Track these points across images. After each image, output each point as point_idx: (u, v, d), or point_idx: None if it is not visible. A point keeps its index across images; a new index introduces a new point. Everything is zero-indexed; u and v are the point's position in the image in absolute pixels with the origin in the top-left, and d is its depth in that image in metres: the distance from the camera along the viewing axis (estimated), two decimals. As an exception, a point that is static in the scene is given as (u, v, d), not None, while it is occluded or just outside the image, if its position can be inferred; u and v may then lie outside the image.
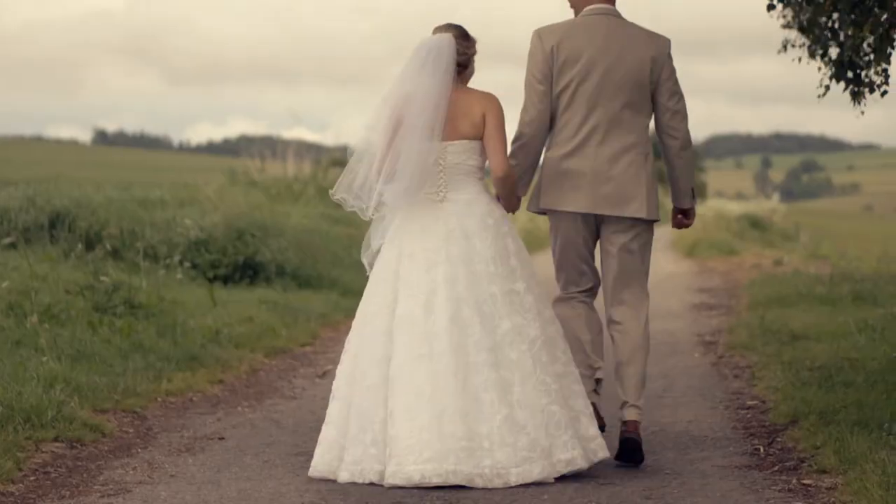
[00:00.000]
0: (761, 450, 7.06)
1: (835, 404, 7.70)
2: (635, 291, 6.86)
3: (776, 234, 41.19)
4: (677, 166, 6.87)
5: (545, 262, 7.87)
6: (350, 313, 13.70)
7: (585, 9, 6.78)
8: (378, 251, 6.67)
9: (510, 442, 6.17)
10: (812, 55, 8.94)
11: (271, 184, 22.57)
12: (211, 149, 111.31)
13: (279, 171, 23.90)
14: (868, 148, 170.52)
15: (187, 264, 13.49)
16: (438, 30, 6.59)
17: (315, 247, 16.08)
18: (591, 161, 6.67)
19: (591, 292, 6.96)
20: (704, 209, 47.97)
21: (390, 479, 6.16)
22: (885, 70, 8.39)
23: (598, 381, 6.90)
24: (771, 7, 8.56)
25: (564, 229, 6.81)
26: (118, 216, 14.71)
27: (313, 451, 6.70)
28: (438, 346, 6.25)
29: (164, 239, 14.39)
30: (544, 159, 6.79)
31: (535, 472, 6.19)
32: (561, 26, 6.75)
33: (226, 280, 14.33)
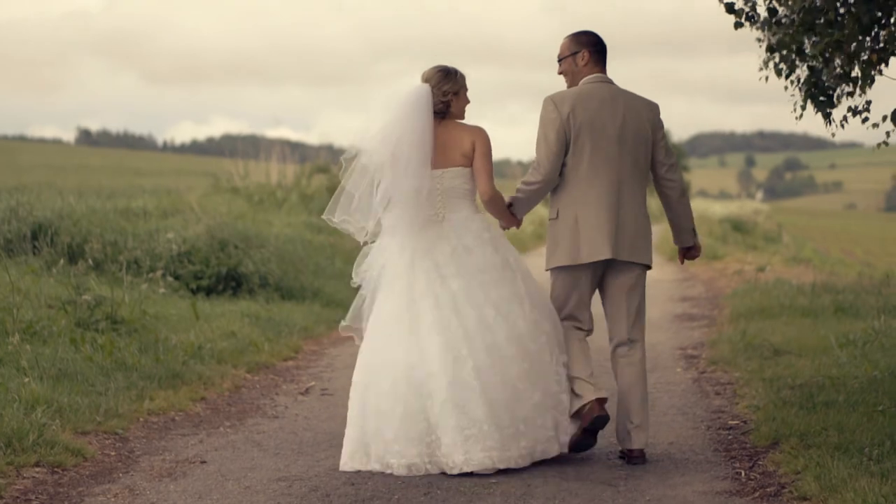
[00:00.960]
0: (742, 474, 7.07)
1: (816, 426, 7.72)
2: (641, 327, 7.58)
3: (759, 236, 41.30)
4: (679, 212, 7.61)
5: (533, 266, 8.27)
6: (332, 325, 13.83)
7: (586, 78, 7.48)
8: (369, 270, 7.48)
9: (540, 424, 7.12)
10: (778, 74, 9.00)
11: (255, 190, 22.52)
12: (195, 148, 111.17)
13: (262, 177, 23.85)
14: (851, 146, 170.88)
15: (170, 278, 13.46)
16: (424, 75, 7.42)
17: (297, 257, 16.06)
18: (613, 213, 7.33)
19: (590, 329, 7.59)
20: (688, 211, 48.03)
21: (463, 468, 6.94)
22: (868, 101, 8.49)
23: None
24: (739, 25, 8.62)
25: (577, 274, 7.42)
26: (101, 227, 14.69)
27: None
28: (474, 346, 7.07)
29: (148, 250, 14.38)
30: (560, 215, 7.42)
31: (553, 450, 7.17)
32: (571, 93, 7.41)
33: (209, 291, 14.32)
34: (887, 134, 8.15)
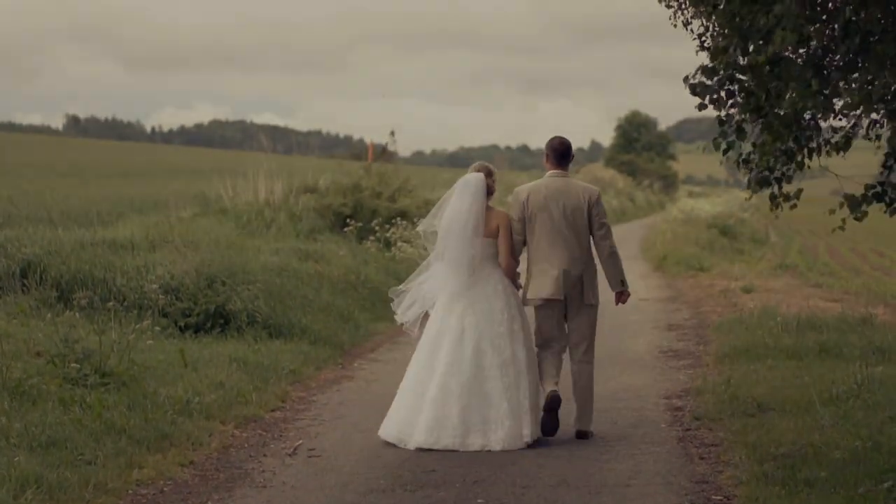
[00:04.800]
0: (724, 568, 7.15)
1: (798, 512, 7.79)
2: (590, 350, 10.58)
3: (746, 239, 41.46)
4: (606, 268, 10.58)
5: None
6: (320, 366, 13.90)
7: (548, 172, 10.68)
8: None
9: (508, 423, 9.96)
10: (724, 151, 9.33)
11: (243, 210, 22.50)
12: (184, 135, 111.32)
13: (250, 193, 23.81)
14: (838, 130, 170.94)
15: (157, 327, 13.50)
16: (474, 168, 10.56)
17: (285, 291, 16.10)
18: (560, 267, 10.41)
19: (563, 348, 10.61)
20: (675, 211, 48.09)
21: (434, 446, 9.89)
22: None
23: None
24: (703, 107, 8.88)
25: (547, 311, 10.51)
26: (89, 263, 14.73)
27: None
28: (465, 365, 10.09)
29: (136, 287, 14.41)
30: (529, 269, 10.54)
31: (518, 443, 9.95)
32: (529, 186, 10.67)
33: (197, 329, 14.36)
34: (843, 220, 8.72)
